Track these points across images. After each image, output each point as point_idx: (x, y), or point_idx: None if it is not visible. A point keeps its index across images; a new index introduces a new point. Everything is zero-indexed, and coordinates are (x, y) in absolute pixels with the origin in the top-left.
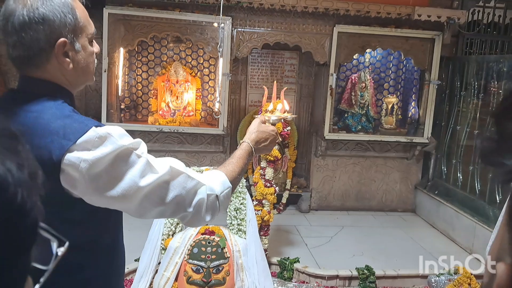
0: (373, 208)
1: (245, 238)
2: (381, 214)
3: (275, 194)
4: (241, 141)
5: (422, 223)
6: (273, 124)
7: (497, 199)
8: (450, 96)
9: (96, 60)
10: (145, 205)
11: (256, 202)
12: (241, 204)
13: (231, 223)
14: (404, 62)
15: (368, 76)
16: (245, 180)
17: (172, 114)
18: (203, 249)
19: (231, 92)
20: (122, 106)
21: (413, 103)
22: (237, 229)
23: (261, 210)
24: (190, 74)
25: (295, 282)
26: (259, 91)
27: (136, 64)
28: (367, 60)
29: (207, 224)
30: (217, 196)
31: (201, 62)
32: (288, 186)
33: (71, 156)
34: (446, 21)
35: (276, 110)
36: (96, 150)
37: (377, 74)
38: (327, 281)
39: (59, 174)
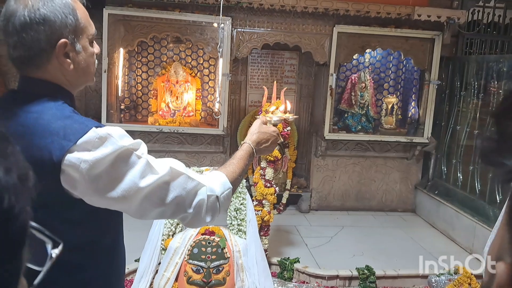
0: (373, 208)
1: (245, 238)
2: (381, 214)
3: (275, 194)
4: (242, 142)
5: (422, 223)
6: (275, 125)
7: (497, 199)
8: (450, 96)
9: (96, 60)
10: (145, 206)
11: (256, 202)
12: (241, 204)
13: (231, 223)
14: (404, 62)
15: (368, 76)
16: (245, 181)
17: (172, 115)
18: (203, 249)
19: (231, 92)
20: (122, 107)
21: (413, 103)
22: (237, 229)
23: (261, 210)
24: (190, 74)
25: (295, 282)
26: (259, 91)
27: (136, 64)
28: (367, 60)
29: (207, 225)
30: (217, 197)
31: (201, 62)
32: (288, 186)
33: (72, 157)
34: (446, 21)
35: (278, 110)
36: (96, 151)
37: (377, 74)
38: (327, 281)
39: (59, 175)
